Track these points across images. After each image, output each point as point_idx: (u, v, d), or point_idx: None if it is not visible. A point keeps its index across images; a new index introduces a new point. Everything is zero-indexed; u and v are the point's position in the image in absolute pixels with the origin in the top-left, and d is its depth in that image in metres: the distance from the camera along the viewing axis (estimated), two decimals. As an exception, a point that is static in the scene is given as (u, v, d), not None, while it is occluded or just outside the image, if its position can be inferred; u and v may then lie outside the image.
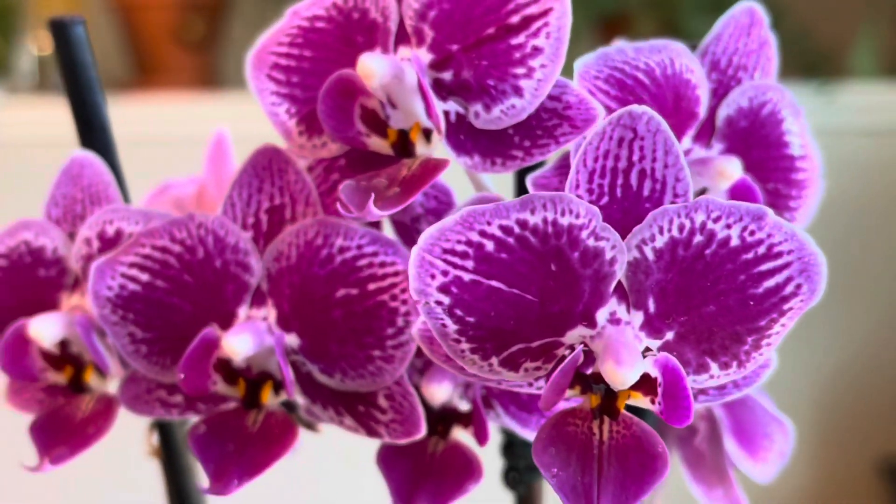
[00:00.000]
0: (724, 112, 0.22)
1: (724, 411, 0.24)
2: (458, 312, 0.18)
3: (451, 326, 0.18)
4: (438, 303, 0.18)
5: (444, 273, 0.18)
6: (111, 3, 1.51)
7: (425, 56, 0.21)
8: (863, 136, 1.34)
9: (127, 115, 1.41)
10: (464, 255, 0.18)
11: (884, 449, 1.50)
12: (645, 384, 0.17)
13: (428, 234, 0.18)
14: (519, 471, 0.26)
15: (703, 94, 0.22)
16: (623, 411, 0.18)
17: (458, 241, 0.18)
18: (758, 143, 0.22)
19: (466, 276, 0.18)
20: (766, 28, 0.23)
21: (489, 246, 0.18)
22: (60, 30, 0.24)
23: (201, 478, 0.27)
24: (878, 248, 1.47)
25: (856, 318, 1.47)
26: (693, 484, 0.26)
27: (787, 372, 1.27)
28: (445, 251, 0.18)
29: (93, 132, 0.24)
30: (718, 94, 0.22)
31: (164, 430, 0.26)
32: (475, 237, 0.18)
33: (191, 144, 1.52)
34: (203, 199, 0.28)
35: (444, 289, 0.18)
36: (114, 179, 0.23)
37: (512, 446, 0.26)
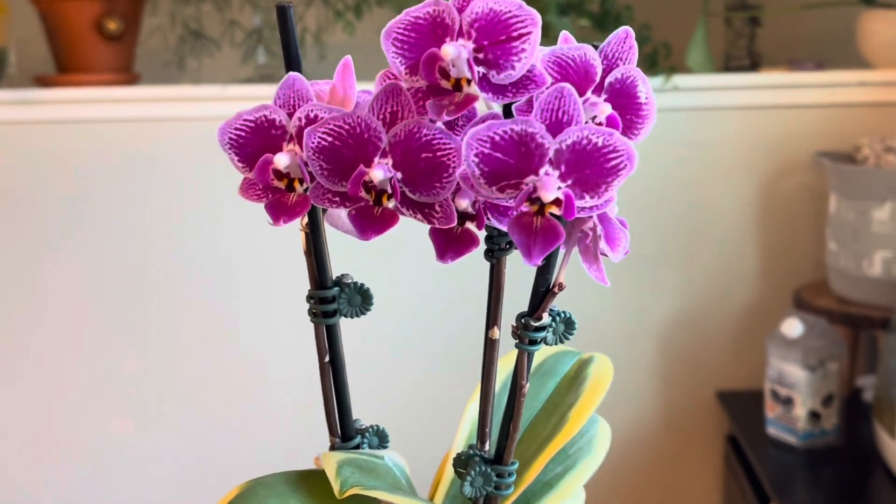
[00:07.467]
0: (608, 80, 0.46)
1: (601, 225, 0.49)
2: (481, 166, 0.42)
3: (477, 172, 0.42)
4: (473, 161, 0.42)
5: (476, 148, 0.41)
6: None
7: (471, 45, 0.44)
8: (695, 112, 1.66)
9: (54, 98, 1.61)
10: (485, 141, 0.41)
11: (720, 382, 1.82)
12: (556, 202, 0.42)
13: (472, 130, 0.41)
14: (493, 251, 0.51)
15: (599, 70, 0.45)
16: (547, 214, 0.42)
17: (484, 135, 0.41)
18: (623, 94, 0.46)
19: (486, 150, 0.41)
20: (633, 38, 0.46)
21: (496, 138, 0.41)
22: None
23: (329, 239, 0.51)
24: (716, 209, 1.75)
25: (694, 272, 1.77)
26: (584, 263, 0.51)
27: (637, 317, 1.64)
28: (478, 139, 0.41)
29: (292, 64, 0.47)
30: (606, 70, 0.46)
31: (312, 216, 0.50)
32: (491, 133, 0.41)
33: (112, 125, 1.77)
34: (333, 95, 0.51)
35: (476, 154, 0.41)
36: (310, 88, 0.46)
37: (491, 237, 0.51)
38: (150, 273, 1.68)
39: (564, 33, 0.47)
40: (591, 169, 0.42)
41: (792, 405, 1.47)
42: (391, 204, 0.45)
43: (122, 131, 1.64)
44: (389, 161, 0.45)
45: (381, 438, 0.55)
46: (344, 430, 0.54)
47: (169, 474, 1.73)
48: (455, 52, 0.43)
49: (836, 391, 1.49)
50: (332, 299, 0.51)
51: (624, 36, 0.46)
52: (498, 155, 0.42)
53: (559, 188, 0.42)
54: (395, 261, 1.63)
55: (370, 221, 0.45)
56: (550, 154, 0.42)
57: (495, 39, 0.43)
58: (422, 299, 1.70)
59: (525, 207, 0.42)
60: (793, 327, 1.47)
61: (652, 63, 1.59)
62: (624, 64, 0.46)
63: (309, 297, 0.51)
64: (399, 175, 0.45)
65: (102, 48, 1.65)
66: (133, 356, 1.71)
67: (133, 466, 1.73)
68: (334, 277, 0.52)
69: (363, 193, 0.45)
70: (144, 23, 1.76)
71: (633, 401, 1.73)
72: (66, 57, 1.67)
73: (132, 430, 1.73)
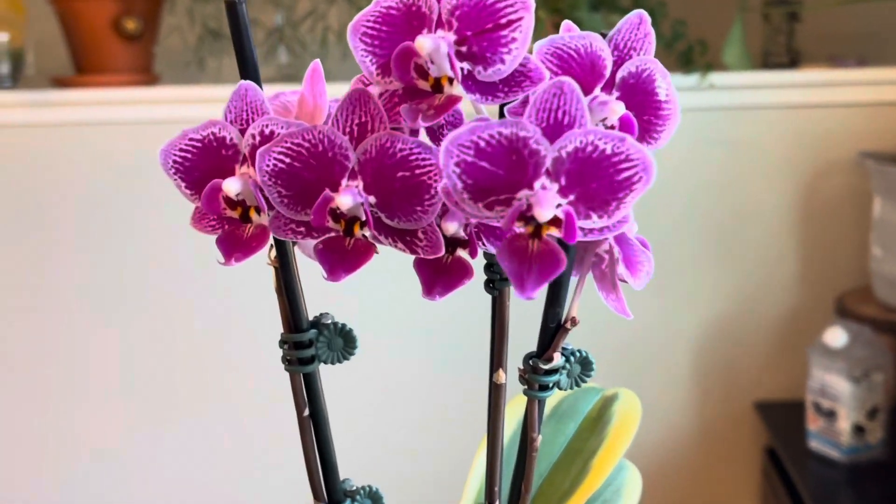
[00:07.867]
0: (620, 74, 0.38)
1: (619, 247, 0.41)
2: (464, 177, 0.34)
3: (460, 185, 0.34)
4: (454, 171, 0.34)
5: (458, 156, 0.34)
6: (52, -5, 1.56)
7: (451, 37, 0.36)
8: (732, 111, 1.59)
9: (72, 100, 1.57)
10: (468, 147, 0.34)
11: (759, 392, 1.72)
12: (556, 222, 0.34)
13: (451, 135, 0.34)
14: (494, 281, 0.44)
15: (609, 63, 0.38)
16: (544, 236, 0.34)
17: (466, 140, 0.34)
18: (639, 91, 0.38)
19: (469, 159, 0.34)
20: (649, 24, 0.39)
21: (481, 143, 0.34)
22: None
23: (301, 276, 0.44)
24: (754, 212, 1.66)
25: (731, 277, 1.68)
26: (600, 293, 0.43)
27: (671, 324, 1.53)
28: (460, 145, 0.34)
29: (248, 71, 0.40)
30: (618, 63, 0.38)
31: (280, 248, 0.43)
32: (475, 138, 0.34)
33: (130, 126, 1.70)
34: (302, 106, 0.44)
35: (457, 164, 0.34)
36: (266, 99, 0.39)
37: (490, 266, 0.43)
38: (166, 275, 1.63)
39: (567, 22, 0.40)
40: (598, 182, 0.34)
41: (835, 418, 1.39)
42: (365, 233, 0.38)
43: (142, 133, 1.59)
44: (360, 183, 0.37)
45: (374, 501, 0.48)
46: (330, 493, 0.47)
47: (167, 477, 1.68)
48: (432, 44, 0.36)
49: (882, 403, 1.41)
50: (309, 343, 0.44)
51: (637, 21, 0.38)
52: (484, 164, 0.34)
53: (558, 205, 0.34)
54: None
55: (340, 256, 0.37)
56: (548, 163, 0.34)
57: (480, 28, 0.36)
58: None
59: (518, 228, 0.34)
60: (836, 337, 1.39)
61: (687, 60, 1.50)
62: (638, 54, 0.39)
63: (282, 343, 0.44)
64: (372, 199, 0.37)
65: (121, 48, 1.62)
66: (143, 359, 1.66)
67: (131, 467, 1.69)
68: (311, 318, 0.45)
69: (331, 223, 0.37)
70: (163, 22, 1.72)
71: (667, 411, 1.64)
72: (84, 57, 1.63)
73: (133, 433, 1.68)
